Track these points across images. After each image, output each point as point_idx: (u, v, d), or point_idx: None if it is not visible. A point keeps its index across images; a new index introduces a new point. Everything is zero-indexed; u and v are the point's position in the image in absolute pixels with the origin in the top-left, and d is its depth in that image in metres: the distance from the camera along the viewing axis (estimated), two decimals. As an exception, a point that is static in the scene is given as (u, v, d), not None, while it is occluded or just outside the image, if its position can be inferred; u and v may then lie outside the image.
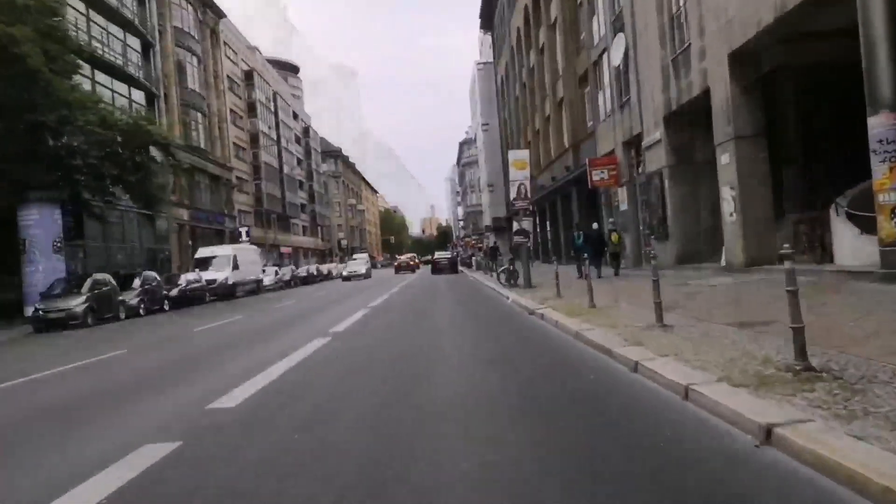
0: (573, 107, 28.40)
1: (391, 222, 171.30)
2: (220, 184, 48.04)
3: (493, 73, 56.61)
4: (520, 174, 17.91)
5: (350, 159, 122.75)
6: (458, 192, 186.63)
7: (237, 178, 52.65)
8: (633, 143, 20.97)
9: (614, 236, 20.29)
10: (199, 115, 44.97)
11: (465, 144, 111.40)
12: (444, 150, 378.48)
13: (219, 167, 47.56)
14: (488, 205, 71.81)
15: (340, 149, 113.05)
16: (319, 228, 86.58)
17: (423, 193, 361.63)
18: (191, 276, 25.84)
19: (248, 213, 54.98)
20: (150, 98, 37.74)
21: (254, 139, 56.23)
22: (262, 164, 56.66)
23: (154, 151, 27.37)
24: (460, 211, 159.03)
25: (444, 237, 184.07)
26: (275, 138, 61.26)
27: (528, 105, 40.42)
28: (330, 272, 57.11)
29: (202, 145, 44.84)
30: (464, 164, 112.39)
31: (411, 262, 61.30)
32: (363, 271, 46.04)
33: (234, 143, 52.95)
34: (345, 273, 45.76)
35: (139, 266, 33.58)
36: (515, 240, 18.03)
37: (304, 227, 76.73)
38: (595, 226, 21.59)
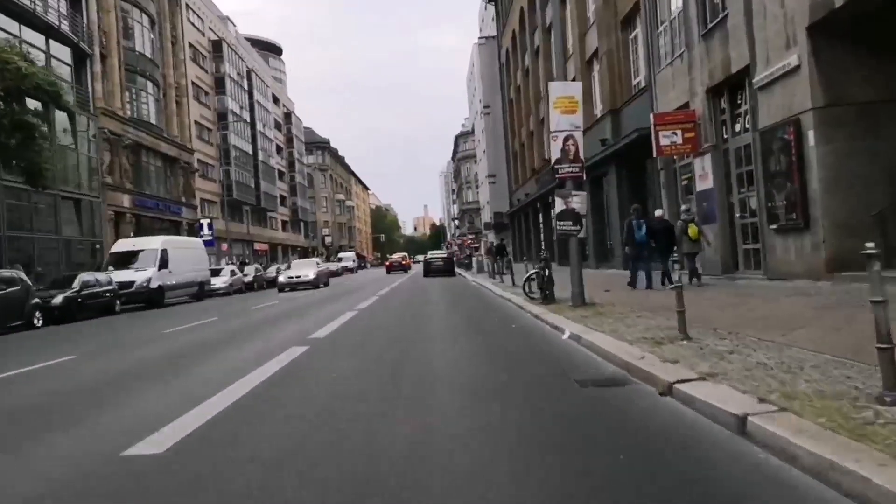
0: (612, 60, 21.52)
1: (382, 220, 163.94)
2: (177, 167, 40.92)
3: (497, 49, 49.69)
4: (565, 121, 11.01)
5: (339, 152, 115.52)
6: (452, 190, 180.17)
7: (200, 161, 45.52)
8: (726, 88, 14.10)
9: (692, 229, 13.49)
10: (150, 84, 37.85)
11: (462, 138, 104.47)
12: (439, 146, 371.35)
13: (175, 147, 40.43)
14: (488, 199, 64.92)
15: (328, 140, 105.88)
16: (302, 224, 79.45)
17: (415, 192, 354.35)
18: (90, 276, 18.73)
19: (213, 203, 47.86)
20: (80, 56, 30.60)
21: (222, 119, 49.13)
22: (231, 148, 49.54)
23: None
24: (455, 209, 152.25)
25: (437, 236, 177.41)
26: (248, 120, 54.13)
27: (541, 73, 33.54)
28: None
29: (152, 120, 37.69)
30: (460, 158, 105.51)
31: (403, 262, 56.98)
32: (310, 277, 30.24)
33: (197, 123, 45.84)
34: (281, 279, 30.49)
35: (54, 263, 26.61)
36: (560, 228, 11.14)
37: (283, 221, 69.62)
38: (660, 213, 14.70)
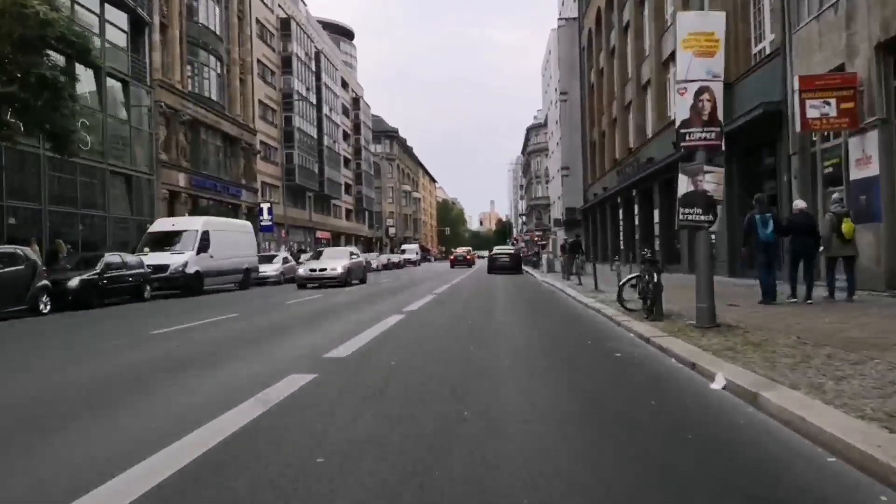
0: (727, 23, 17.88)
1: (448, 214, 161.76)
2: (238, 147, 39.42)
3: (578, 31, 46.05)
4: (699, 66, 7.85)
5: (408, 142, 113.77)
6: (521, 185, 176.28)
7: (262, 143, 44.02)
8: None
9: (846, 224, 10.09)
10: (213, 59, 36.37)
11: (533, 130, 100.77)
12: (509, 141, 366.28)
13: (237, 126, 38.92)
14: (559, 194, 61.28)
15: (397, 129, 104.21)
16: (366, 213, 77.85)
17: (482, 187, 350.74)
18: (116, 257, 16.73)
19: (275, 188, 46.34)
20: (138, 24, 29.14)
21: (287, 100, 47.54)
22: (294, 130, 47.90)
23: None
24: (522, 205, 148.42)
25: (503, 232, 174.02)
26: (314, 102, 52.45)
27: (630, 52, 29.96)
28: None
29: (213, 96, 36.20)
30: (530, 151, 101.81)
31: (468, 256, 54.55)
32: (338, 272, 22.96)
33: (261, 103, 44.33)
34: (301, 272, 23.67)
35: (100, 242, 25.17)
36: (684, 218, 7.95)
37: (347, 210, 68.06)
38: (801, 204, 11.26)
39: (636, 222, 29.89)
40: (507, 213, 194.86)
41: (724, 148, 8.19)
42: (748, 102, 16.20)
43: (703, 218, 7.93)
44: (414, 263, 69.41)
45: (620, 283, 10.60)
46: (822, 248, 10.77)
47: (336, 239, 63.86)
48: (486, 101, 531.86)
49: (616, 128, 34.96)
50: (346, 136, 68.51)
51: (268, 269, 27.09)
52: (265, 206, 40.93)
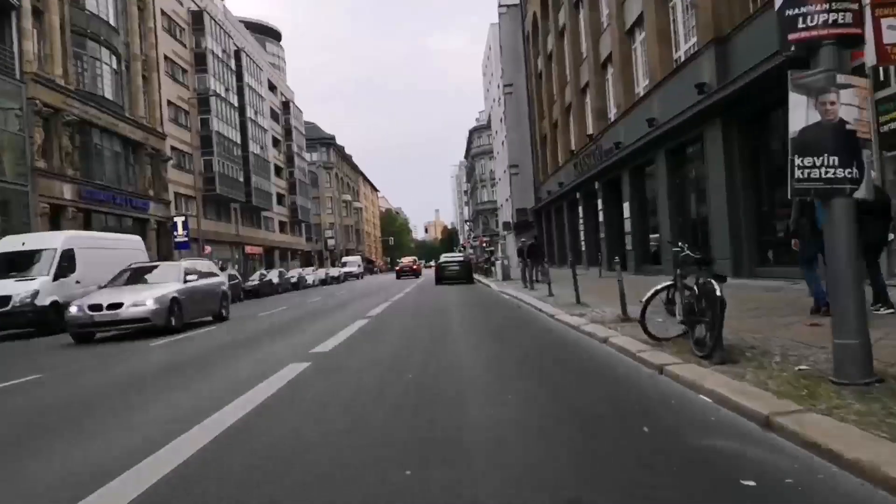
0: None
1: (392, 224, 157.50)
2: (143, 153, 34.35)
3: (521, 17, 42.80)
4: None
5: (346, 149, 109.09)
6: (465, 191, 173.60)
7: (175, 149, 38.98)
8: None
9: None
10: (107, 52, 31.32)
11: (476, 133, 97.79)
12: (449, 150, 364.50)
13: (141, 130, 33.88)
14: (507, 195, 58.00)
15: (334, 136, 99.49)
16: (303, 225, 72.90)
17: (426, 197, 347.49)
18: None
19: (191, 199, 41.26)
20: (2, 8, 24.11)
21: (203, 101, 42.58)
22: (213, 134, 42.94)
23: None
24: (468, 211, 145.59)
25: (450, 240, 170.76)
26: (235, 104, 47.54)
27: (583, 28, 26.66)
28: (302, 279, 43.25)
29: (108, 95, 31.15)
30: (474, 154, 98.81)
31: (414, 266, 53.30)
32: (146, 309, 12.39)
33: (172, 104, 39.31)
34: (73, 310, 12.49)
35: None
36: (800, 176, 4.23)
37: (281, 222, 63.05)
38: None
39: (601, 219, 26.48)
40: (453, 221, 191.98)
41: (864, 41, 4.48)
42: (748, 59, 12.76)
43: (841, 174, 4.16)
44: (356, 276, 65.02)
45: (646, 297, 6.75)
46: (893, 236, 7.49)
47: (269, 254, 58.83)
48: (428, 110, 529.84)
49: (570, 116, 31.68)
50: (276, 143, 63.56)
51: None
52: (179, 220, 35.94)
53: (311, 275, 46.48)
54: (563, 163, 34.36)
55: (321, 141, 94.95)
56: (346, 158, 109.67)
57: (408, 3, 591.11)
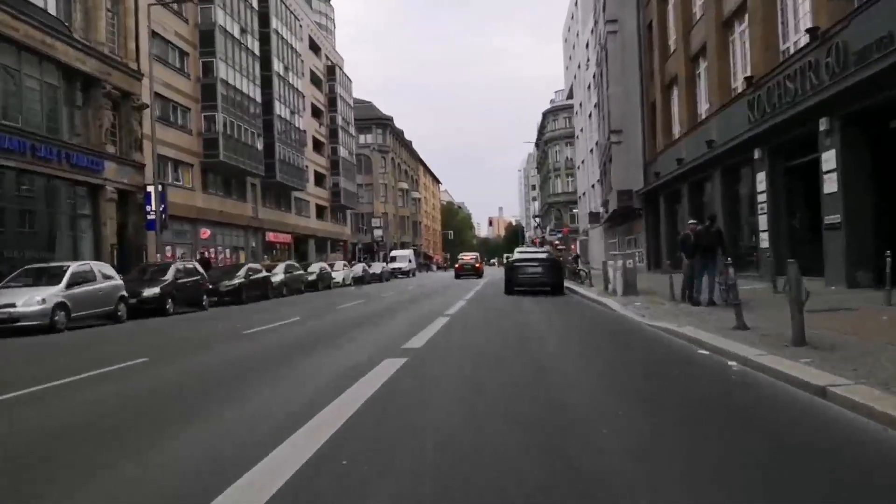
0: None
1: (453, 218, 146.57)
2: (99, 94, 24.46)
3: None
4: None
5: (405, 134, 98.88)
6: (533, 186, 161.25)
7: (161, 97, 29.12)
8: None
9: None
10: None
11: (551, 115, 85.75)
12: (516, 147, 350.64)
13: (97, 61, 24.02)
14: (593, 181, 46.11)
15: (392, 118, 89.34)
16: (348, 212, 62.89)
17: (488, 196, 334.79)
18: None
19: (184, 165, 31.44)
20: None
21: (207, 40, 32.66)
22: (218, 83, 32.92)
23: None
24: (536, 206, 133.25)
25: (514, 237, 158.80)
26: (255, 51, 37.48)
27: None
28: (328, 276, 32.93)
29: (51, 9, 21.41)
30: (547, 139, 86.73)
31: (477, 265, 44.13)
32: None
33: (160, 36, 29.48)
34: None
35: None
36: None
37: (319, 206, 53.07)
38: None
39: (779, 201, 14.66)
40: (517, 219, 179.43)
41: None
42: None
43: None
44: (406, 274, 54.58)
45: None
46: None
47: (302, 242, 48.92)
48: (492, 111, 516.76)
49: (709, 59, 19.95)
50: (316, 113, 53.62)
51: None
52: (153, 188, 26.11)
53: (341, 272, 36.01)
54: (686, 131, 22.87)
55: (377, 121, 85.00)
56: (405, 144, 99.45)
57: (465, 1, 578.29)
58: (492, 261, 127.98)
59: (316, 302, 21.01)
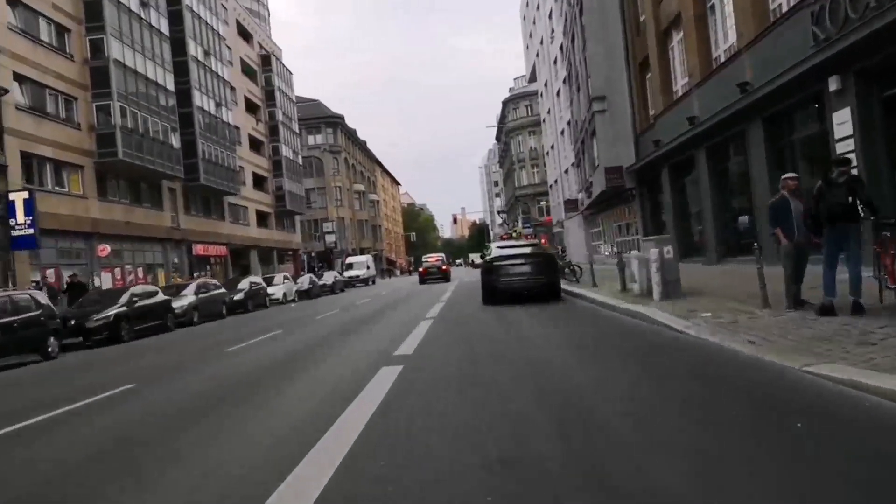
0: None
1: (415, 220, 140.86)
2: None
3: None
4: None
5: (359, 133, 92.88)
6: (495, 182, 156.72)
7: (28, 80, 22.92)
8: None
9: None
10: None
11: (511, 103, 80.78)
12: (477, 146, 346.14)
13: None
14: (567, 166, 41.04)
15: (342, 116, 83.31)
16: (296, 218, 56.77)
17: (450, 196, 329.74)
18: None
19: (71, 167, 25.21)
20: None
21: (93, 13, 26.44)
22: (110, 66, 26.69)
23: None
24: (500, 202, 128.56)
25: (480, 235, 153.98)
26: (164, 31, 31.25)
27: None
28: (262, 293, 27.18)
29: None
30: (510, 129, 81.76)
31: (443, 268, 39.16)
32: None
33: (20, 2, 23.23)
34: None
35: None
36: None
37: (260, 213, 46.88)
38: None
39: (877, 145, 9.54)
40: (481, 217, 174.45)
41: None
42: None
43: None
44: (365, 282, 48.87)
45: None
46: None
47: (241, 255, 42.72)
48: (448, 112, 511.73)
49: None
50: (252, 108, 47.49)
51: None
52: (19, 198, 20.09)
53: (280, 286, 30.11)
54: (701, 79, 17.74)
55: (327, 120, 78.97)
56: (359, 143, 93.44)
57: (421, 4, 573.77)
58: (458, 261, 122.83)
59: (217, 336, 15.13)
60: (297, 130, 56.54)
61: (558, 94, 43.85)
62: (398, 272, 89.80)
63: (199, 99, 34.98)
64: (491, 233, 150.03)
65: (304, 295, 32.33)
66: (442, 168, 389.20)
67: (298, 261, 56.85)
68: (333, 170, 78.48)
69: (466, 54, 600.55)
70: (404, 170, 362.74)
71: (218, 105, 37.65)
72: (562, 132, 43.97)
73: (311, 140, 77.85)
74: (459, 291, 22.92)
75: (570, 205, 40.05)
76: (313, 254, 62.15)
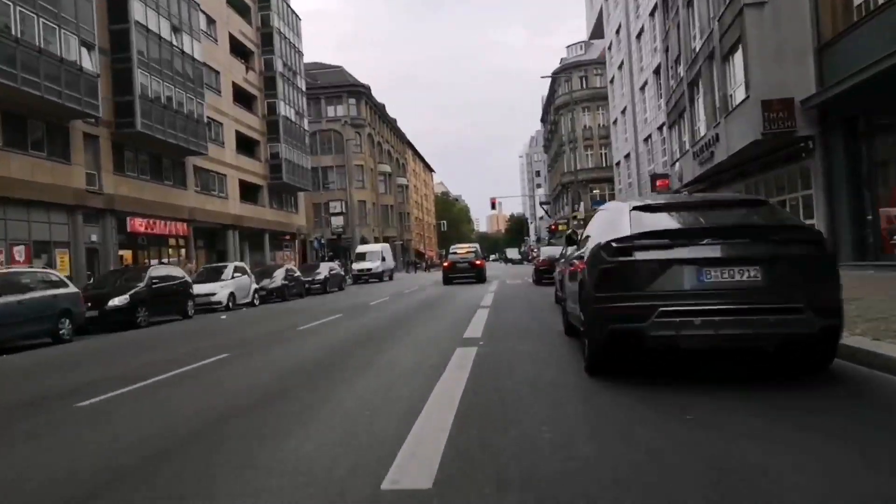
0: None
1: (449, 210, 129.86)
2: None
3: None
4: None
5: (387, 108, 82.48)
6: (537, 172, 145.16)
7: None
8: None
9: None
10: None
11: (564, 74, 69.31)
12: (515, 142, 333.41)
13: None
14: (723, 93, 29.70)
15: (369, 87, 73.09)
16: (302, 197, 46.61)
17: (486, 192, 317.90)
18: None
19: None
20: None
21: None
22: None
23: None
24: (541, 193, 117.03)
25: (518, 229, 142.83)
26: None
27: None
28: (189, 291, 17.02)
29: None
30: (559, 105, 70.44)
31: (477, 262, 27.48)
32: None
33: None
34: None
35: None
36: None
37: (247, 183, 36.79)
38: None
39: None
40: (520, 211, 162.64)
41: None
42: None
43: None
44: (379, 277, 38.83)
45: None
46: None
47: (216, 236, 32.71)
48: (488, 107, 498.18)
49: None
50: (242, 52, 37.40)
51: None
52: None
53: (229, 282, 19.82)
54: None
55: (350, 89, 68.75)
56: (388, 121, 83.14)
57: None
58: (492, 256, 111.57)
59: None
60: (302, 87, 45.96)
61: (640, 34, 32.66)
62: (425, 265, 79.25)
63: (140, 13, 24.80)
64: (531, 226, 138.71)
65: (270, 295, 22.23)
66: (478, 159, 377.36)
67: (299, 248, 46.77)
68: (355, 146, 68.32)
69: (492, 47, 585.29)
70: (439, 161, 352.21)
71: (175, 30, 27.43)
72: (643, 86, 32.77)
73: (330, 111, 67.91)
74: (505, 305, 12.65)
75: (660, 181, 28.84)
76: (323, 240, 51.91)
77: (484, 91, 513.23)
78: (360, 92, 69.35)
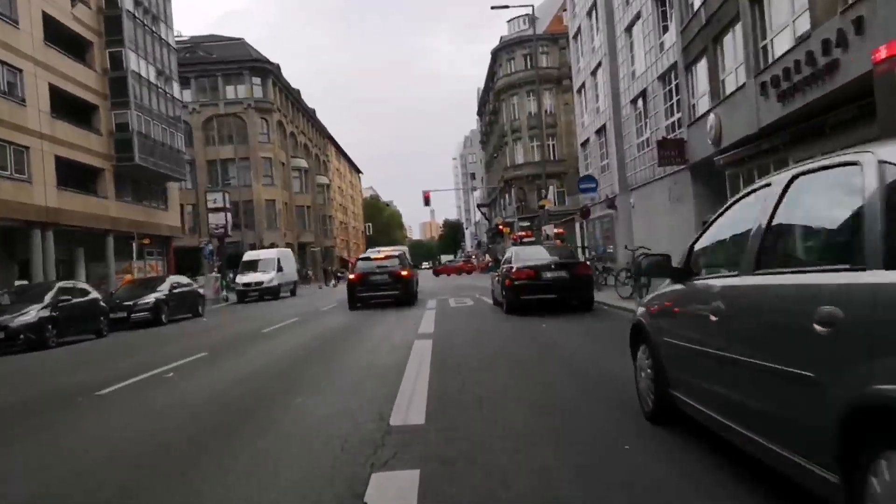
0: None
1: (379, 215, 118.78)
2: None
3: None
4: None
5: (301, 93, 71.42)
6: (472, 175, 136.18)
7: None
8: None
9: None
10: None
11: (504, 52, 60.29)
12: (446, 151, 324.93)
13: None
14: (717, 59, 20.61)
15: (278, 65, 62.07)
16: (168, 189, 35.24)
17: (417, 200, 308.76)
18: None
19: None
20: None
21: None
22: None
23: None
24: (477, 195, 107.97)
25: (453, 236, 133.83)
26: None
27: None
28: None
29: None
30: (500, 88, 61.27)
31: (403, 272, 17.24)
32: None
33: None
34: None
35: None
36: None
37: (72, 162, 25.48)
38: None
39: None
40: (455, 217, 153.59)
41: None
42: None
43: None
44: (274, 293, 28.53)
45: None
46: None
47: (16, 237, 21.32)
48: (418, 116, 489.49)
49: None
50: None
51: None
52: None
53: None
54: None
55: (253, 65, 57.56)
56: (304, 109, 72.13)
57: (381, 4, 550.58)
58: (425, 265, 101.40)
59: None
60: (167, 39, 34.50)
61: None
62: (339, 278, 68.55)
63: None
64: (466, 231, 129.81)
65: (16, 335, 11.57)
66: (410, 167, 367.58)
67: (173, 255, 35.50)
68: (262, 134, 57.18)
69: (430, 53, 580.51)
70: (370, 169, 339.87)
71: None
72: (631, 24, 23.65)
73: (229, 92, 56.57)
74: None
75: (665, 155, 19.65)
76: (212, 247, 40.51)
77: (413, 99, 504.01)
78: (265, 69, 58.16)
